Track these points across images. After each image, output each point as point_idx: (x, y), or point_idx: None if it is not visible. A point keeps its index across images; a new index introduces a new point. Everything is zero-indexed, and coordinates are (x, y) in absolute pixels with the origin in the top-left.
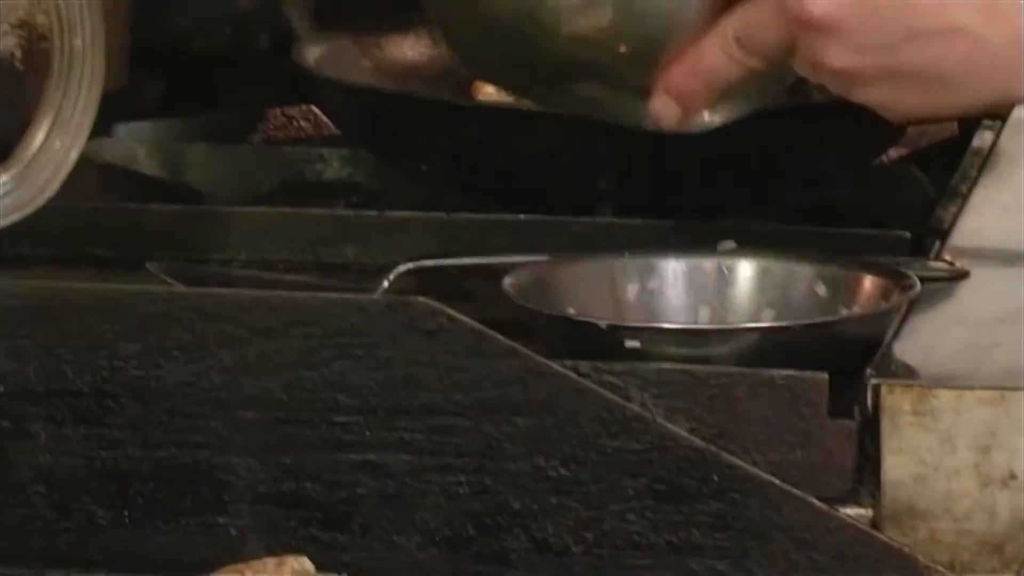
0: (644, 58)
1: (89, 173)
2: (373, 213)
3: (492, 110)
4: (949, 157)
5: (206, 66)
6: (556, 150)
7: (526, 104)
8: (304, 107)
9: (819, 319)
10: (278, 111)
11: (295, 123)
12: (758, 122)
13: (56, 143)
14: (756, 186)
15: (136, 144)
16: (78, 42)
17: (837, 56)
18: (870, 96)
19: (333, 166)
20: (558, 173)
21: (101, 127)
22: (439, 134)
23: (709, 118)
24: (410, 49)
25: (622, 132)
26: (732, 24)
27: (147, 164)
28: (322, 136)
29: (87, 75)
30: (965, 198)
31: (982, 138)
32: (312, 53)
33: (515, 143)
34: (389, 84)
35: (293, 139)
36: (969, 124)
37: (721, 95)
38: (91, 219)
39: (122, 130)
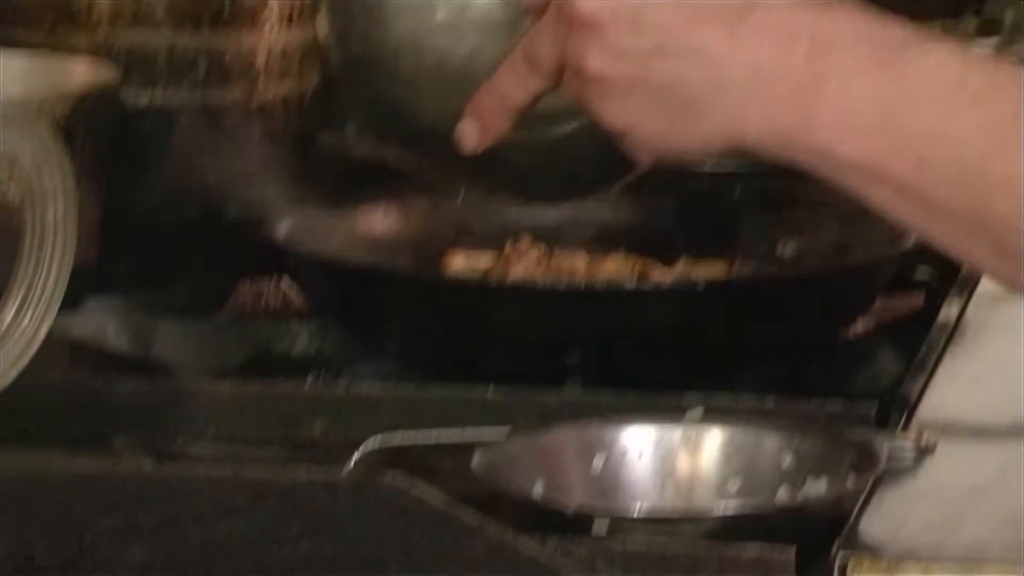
0: None
1: (58, 347)
2: (342, 387)
3: (460, 284)
4: (917, 329)
5: (176, 239)
6: (523, 323)
7: (493, 279)
8: (273, 280)
9: (786, 502)
10: (247, 284)
11: (265, 297)
12: (726, 292)
13: (26, 318)
14: (724, 357)
15: (105, 318)
16: (51, 215)
17: (596, 58)
18: (619, 112)
19: (302, 340)
20: (526, 346)
21: (70, 301)
22: (407, 307)
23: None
24: (380, 223)
25: (590, 305)
26: (522, 43)
27: (116, 339)
28: (291, 310)
29: (59, 248)
30: (932, 371)
31: (949, 311)
32: (282, 226)
33: (482, 316)
34: (358, 257)
35: (263, 312)
36: (936, 297)
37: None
38: (59, 395)
39: (92, 304)
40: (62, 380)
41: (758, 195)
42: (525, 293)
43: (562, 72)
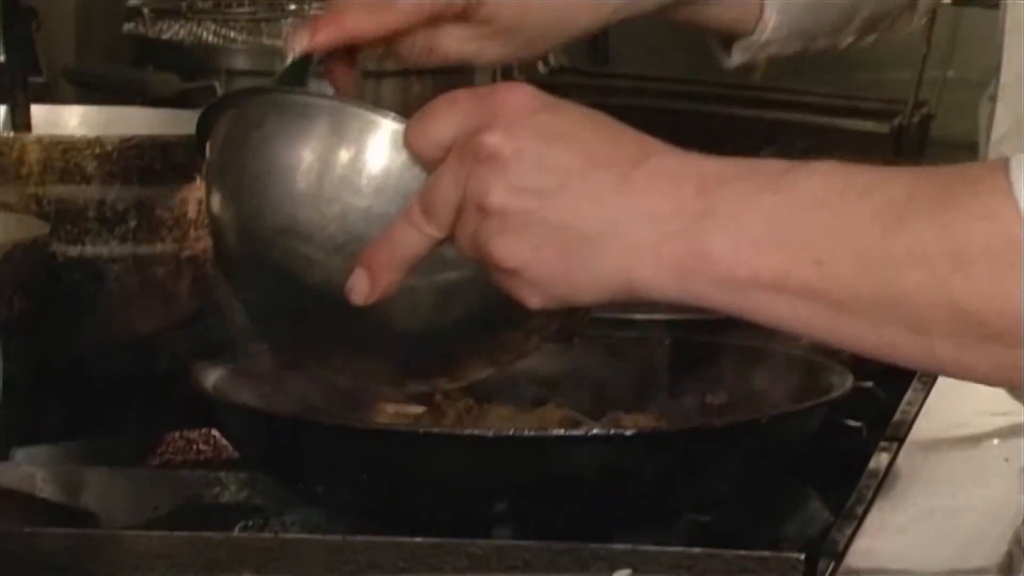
0: None
1: None
2: (269, 536)
3: (386, 432)
4: (846, 479)
5: (106, 389)
6: (451, 471)
7: (421, 426)
8: (204, 430)
9: None
10: (177, 434)
11: (195, 446)
12: (653, 442)
13: None
14: (653, 506)
15: (34, 468)
16: None
17: (497, 193)
18: (515, 249)
19: (231, 489)
20: (453, 494)
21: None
22: (333, 456)
23: None
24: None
25: (518, 454)
26: (418, 193)
27: (45, 488)
28: (222, 459)
29: None
30: (860, 520)
31: (879, 460)
32: (210, 377)
33: (410, 465)
34: (286, 407)
35: (193, 462)
36: (867, 446)
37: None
38: None
39: (20, 454)
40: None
41: (688, 345)
42: (452, 441)
43: (458, 216)
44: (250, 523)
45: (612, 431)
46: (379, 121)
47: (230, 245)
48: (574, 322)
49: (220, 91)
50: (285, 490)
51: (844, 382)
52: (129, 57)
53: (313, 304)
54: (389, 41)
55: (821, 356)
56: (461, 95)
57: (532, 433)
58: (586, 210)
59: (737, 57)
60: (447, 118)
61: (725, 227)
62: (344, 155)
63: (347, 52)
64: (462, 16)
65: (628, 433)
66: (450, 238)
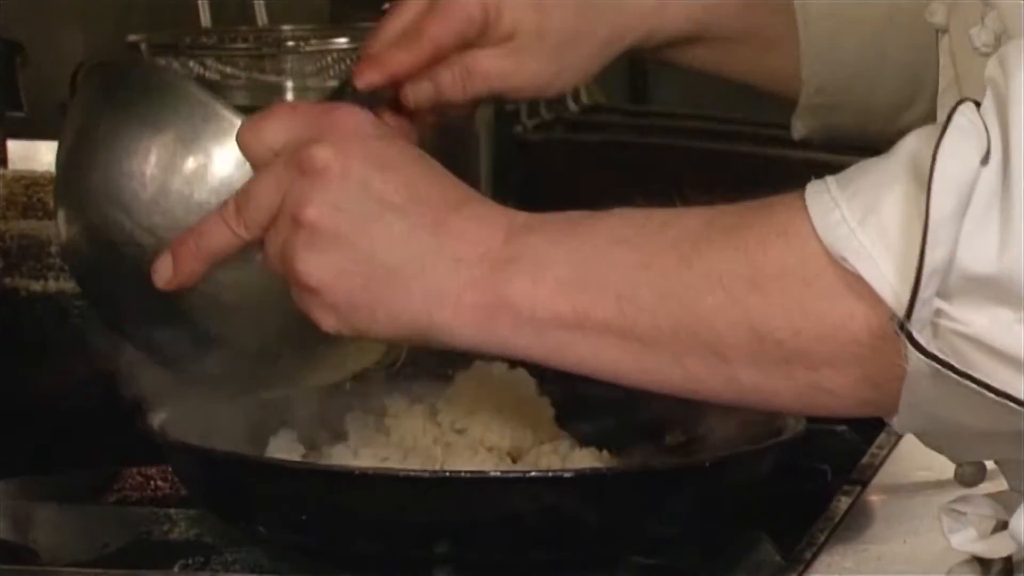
0: None
1: None
2: (206, 574)
3: (322, 472)
4: (805, 522)
5: (66, 424)
6: (390, 511)
7: (360, 466)
8: (161, 467)
9: None
10: (135, 471)
11: (152, 482)
12: (594, 483)
13: None
14: (596, 547)
15: None
16: None
17: (314, 207)
18: (319, 267)
19: (181, 526)
20: (394, 535)
21: None
22: (272, 495)
23: None
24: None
25: (457, 492)
26: (239, 191)
27: None
28: (178, 495)
29: None
30: (808, 564)
31: (838, 503)
32: (158, 414)
33: (348, 504)
34: (225, 445)
35: (149, 499)
36: (831, 489)
37: None
38: None
39: None
40: None
41: None
42: (390, 481)
43: (271, 222)
44: (191, 561)
45: (551, 472)
46: (222, 113)
47: (69, 204)
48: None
49: None
50: (229, 529)
51: (796, 425)
52: None
53: (135, 286)
54: (428, 71)
55: None
56: (301, 105)
57: (469, 473)
58: (397, 245)
59: (799, 126)
60: (283, 123)
61: (527, 271)
62: (176, 137)
63: (393, 91)
64: (486, 32)
65: (567, 475)
66: (259, 243)
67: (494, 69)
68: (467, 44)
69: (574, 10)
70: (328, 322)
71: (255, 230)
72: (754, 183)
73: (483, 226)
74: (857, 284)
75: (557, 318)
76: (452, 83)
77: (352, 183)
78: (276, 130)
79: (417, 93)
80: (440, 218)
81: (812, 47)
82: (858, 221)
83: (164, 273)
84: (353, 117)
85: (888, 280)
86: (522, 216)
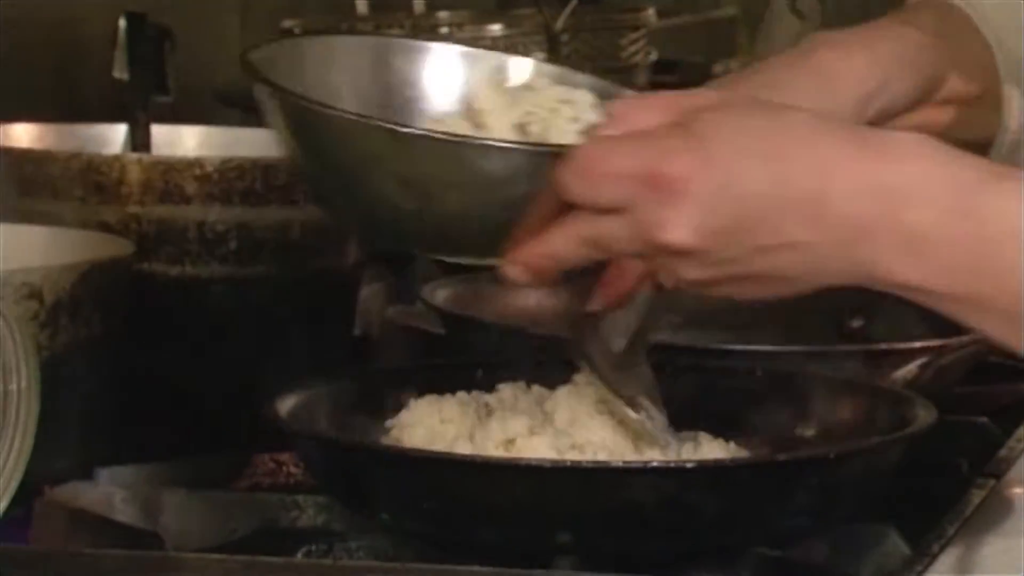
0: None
1: (61, 515)
2: (326, 562)
3: (445, 460)
4: (936, 515)
5: (203, 409)
6: (511, 501)
7: (484, 456)
8: (295, 453)
9: None
10: (267, 457)
11: (284, 469)
12: (727, 475)
13: None
14: (717, 539)
15: (114, 489)
16: (13, 387)
17: (692, 271)
18: (717, 293)
19: (308, 513)
20: (515, 524)
21: (82, 471)
22: (395, 484)
23: None
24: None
25: (578, 482)
26: (581, 227)
27: (123, 509)
28: (310, 482)
29: (22, 420)
30: (935, 558)
31: (970, 497)
32: (285, 403)
33: (469, 493)
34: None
35: (281, 485)
36: (966, 482)
37: None
38: (43, 562)
39: (104, 475)
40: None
41: (780, 376)
42: (512, 471)
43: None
44: (314, 548)
45: (673, 463)
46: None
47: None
48: None
49: None
50: (354, 517)
51: (927, 416)
52: None
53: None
54: None
55: (909, 389)
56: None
57: (592, 463)
58: (784, 259)
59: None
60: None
61: (918, 253)
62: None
63: None
64: None
65: (690, 465)
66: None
67: None
68: None
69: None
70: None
71: (619, 254)
72: None
73: (861, 210)
74: None
75: (956, 298)
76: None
77: (720, 239)
78: (609, 162)
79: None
80: (813, 221)
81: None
82: None
83: (523, 279)
84: (690, 101)
85: None
86: (896, 180)
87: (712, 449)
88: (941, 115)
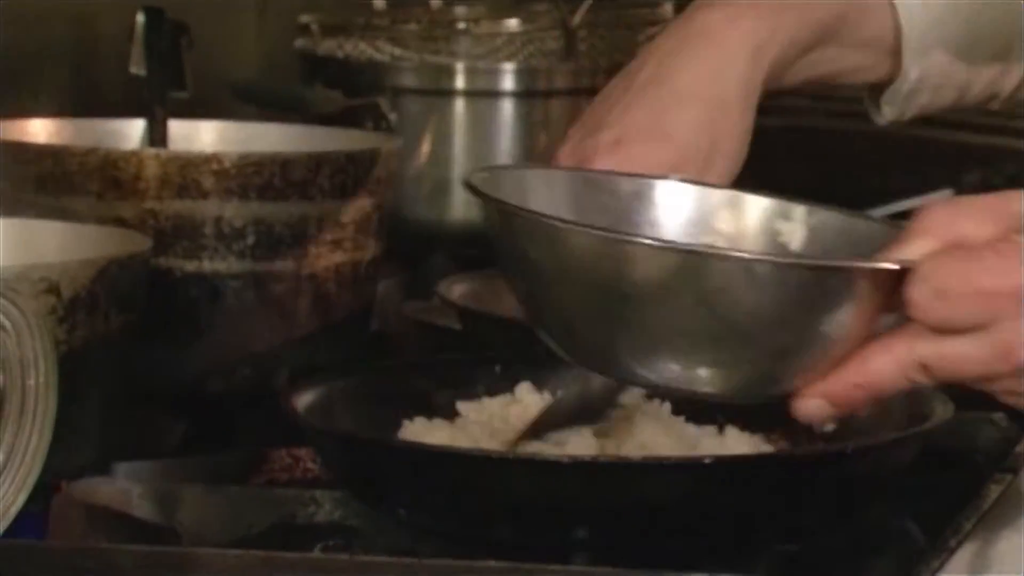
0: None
1: (78, 510)
2: (344, 557)
3: (463, 456)
4: (953, 511)
5: (219, 405)
6: (528, 496)
7: (497, 451)
8: (311, 449)
9: None
10: (284, 452)
11: (301, 464)
12: (744, 471)
13: (6, 484)
14: (738, 535)
15: (131, 484)
16: (31, 382)
17: None
18: None
19: (325, 508)
20: (531, 520)
21: (99, 466)
22: (412, 479)
23: None
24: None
25: (596, 478)
26: (918, 349)
27: (140, 505)
28: (327, 477)
29: (40, 416)
30: (952, 552)
31: (988, 492)
32: (302, 397)
33: (486, 489)
34: (365, 431)
35: (299, 480)
36: (980, 476)
37: None
38: (61, 558)
39: (121, 469)
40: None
41: None
42: (528, 467)
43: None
44: (331, 543)
45: (690, 459)
46: None
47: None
48: None
49: (385, 109)
50: (371, 512)
51: (944, 412)
52: (300, 74)
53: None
54: None
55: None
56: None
57: (608, 459)
58: None
59: (888, 112)
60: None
61: None
62: None
63: None
64: None
65: (707, 461)
66: None
67: None
68: None
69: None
70: None
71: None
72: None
73: None
74: None
75: None
76: None
77: None
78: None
79: None
80: None
81: (913, 39)
82: None
83: (824, 415)
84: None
85: None
86: None
87: (739, 443)
88: (842, 58)
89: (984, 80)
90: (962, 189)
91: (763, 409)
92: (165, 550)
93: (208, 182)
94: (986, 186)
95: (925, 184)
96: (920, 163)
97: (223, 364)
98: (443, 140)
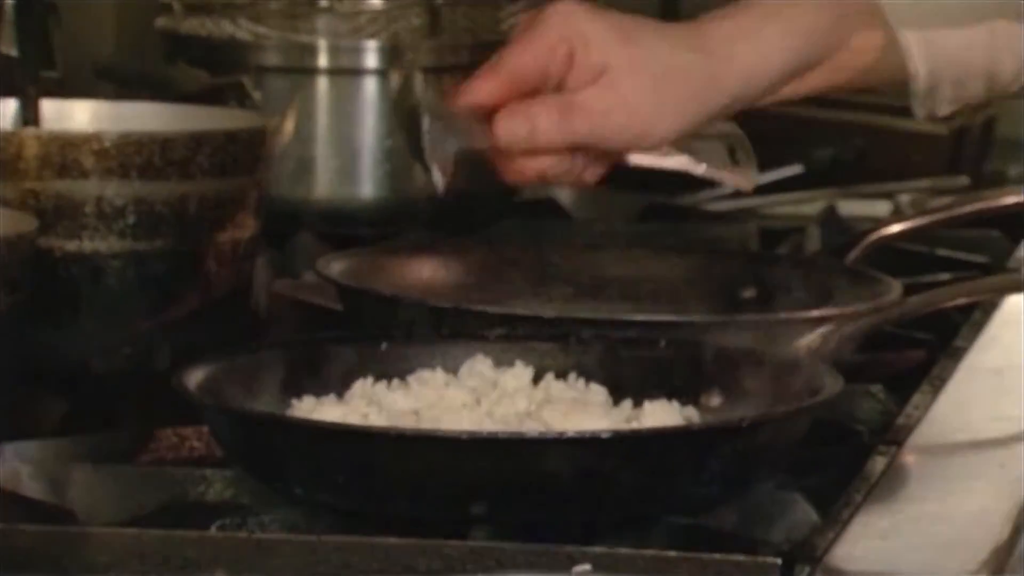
0: None
1: None
2: (242, 535)
3: (360, 432)
4: (841, 483)
5: (104, 385)
6: (427, 473)
7: (395, 428)
8: (198, 427)
9: None
10: (170, 431)
11: (187, 443)
12: (642, 444)
13: None
14: (637, 509)
15: (20, 464)
16: None
17: None
18: None
19: (216, 487)
20: (431, 496)
21: None
22: (309, 456)
23: None
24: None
25: (494, 453)
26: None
27: (30, 485)
28: (215, 456)
29: None
30: (845, 524)
31: (873, 464)
32: (194, 375)
33: (385, 465)
34: (260, 405)
35: (185, 459)
36: (866, 450)
37: None
38: None
39: (8, 450)
40: None
41: (684, 346)
42: (427, 443)
43: None
44: (227, 522)
45: (587, 433)
46: None
47: None
48: None
49: (249, 88)
50: (266, 490)
51: (835, 385)
52: (162, 53)
53: None
54: (523, 109)
55: (815, 359)
56: None
57: (506, 434)
58: None
59: (919, 110)
60: None
61: None
62: None
63: None
64: (573, 67)
65: (604, 435)
66: None
67: (588, 103)
68: (559, 85)
69: (666, 41)
70: None
71: None
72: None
73: None
74: None
75: None
76: (547, 119)
77: None
78: None
79: (510, 129)
80: None
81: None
82: None
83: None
84: None
85: None
86: None
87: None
88: (854, 61)
89: (1010, 69)
90: (812, 164)
91: (642, 388)
92: (63, 530)
93: (89, 162)
94: (836, 161)
95: (775, 160)
96: (770, 138)
97: (104, 343)
98: (307, 118)
